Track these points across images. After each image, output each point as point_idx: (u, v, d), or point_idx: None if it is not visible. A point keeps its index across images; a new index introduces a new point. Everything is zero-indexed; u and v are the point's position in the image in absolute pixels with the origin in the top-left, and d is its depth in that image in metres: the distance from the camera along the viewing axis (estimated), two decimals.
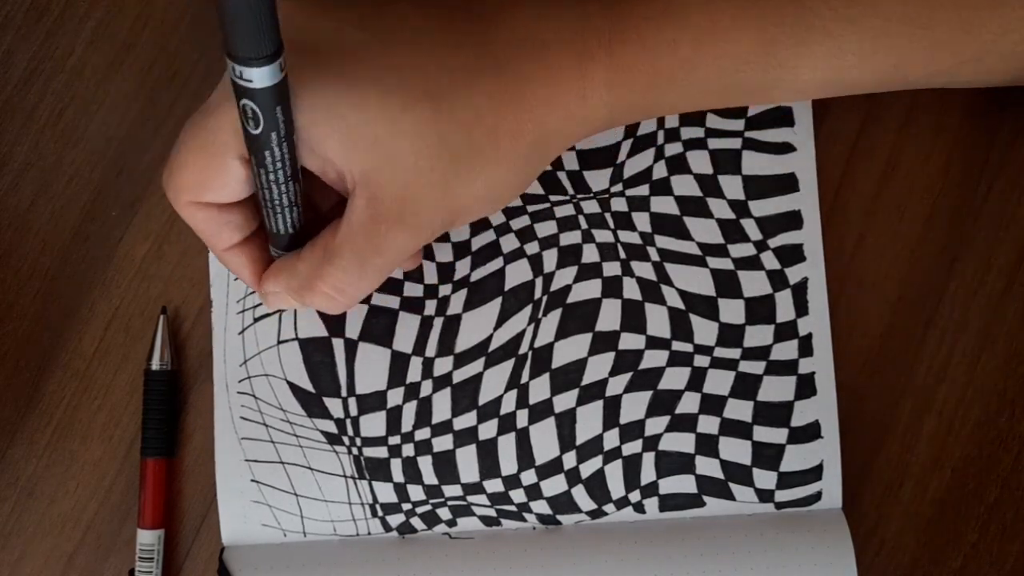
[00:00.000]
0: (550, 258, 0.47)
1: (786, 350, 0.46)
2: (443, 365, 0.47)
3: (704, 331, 0.47)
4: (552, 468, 0.47)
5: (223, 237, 0.42)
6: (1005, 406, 0.47)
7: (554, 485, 0.47)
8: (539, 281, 0.47)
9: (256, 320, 0.47)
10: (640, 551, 0.45)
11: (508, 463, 0.47)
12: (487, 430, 0.47)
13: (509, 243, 0.47)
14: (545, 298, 0.47)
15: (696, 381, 0.46)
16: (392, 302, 0.47)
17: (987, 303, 0.47)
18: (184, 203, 0.40)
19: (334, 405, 0.47)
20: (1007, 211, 0.47)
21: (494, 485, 0.47)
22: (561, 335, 0.47)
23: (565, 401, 0.47)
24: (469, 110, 0.39)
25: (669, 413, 0.46)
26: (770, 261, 0.47)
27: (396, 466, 0.47)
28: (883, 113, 0.48)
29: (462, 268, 0.47)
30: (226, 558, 0.46)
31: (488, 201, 0.41)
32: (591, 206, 0.47)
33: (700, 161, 0.47)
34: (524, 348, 0.47)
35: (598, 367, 0.47)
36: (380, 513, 0.47)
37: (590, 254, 0.47)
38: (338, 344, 0.47)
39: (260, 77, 0.34)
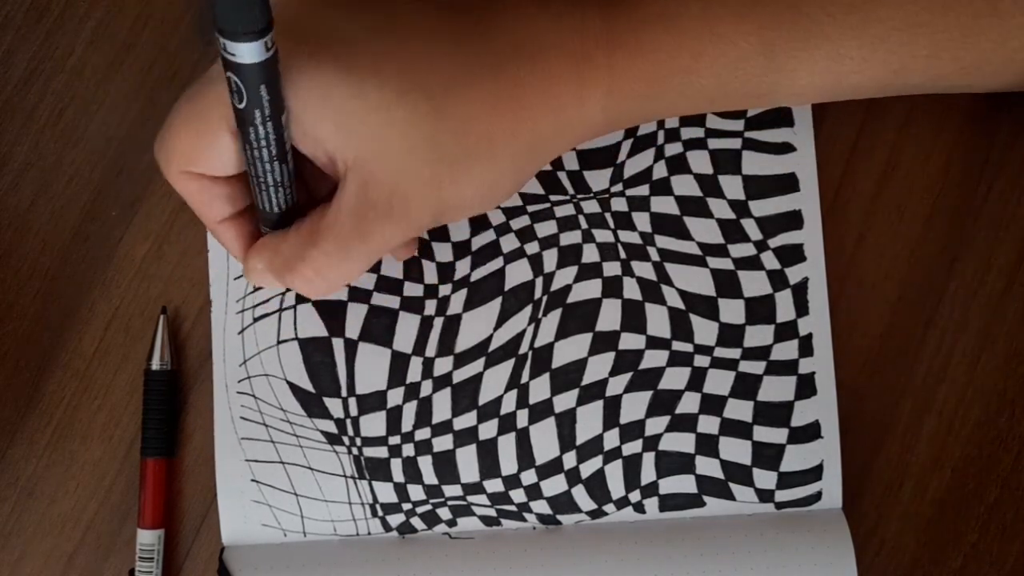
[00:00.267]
0: (550, 258, 0.47)
1: (786, 350, 0.46)
2: (443, 365, 0.47)
3: (704, 331, 0.47)
4: (552, 468, 0.47)
5: (214, 209, 0.41)
6: (1005, 406, 0.47)
7: (554, 485, 0.47)
8: (539, 281, 0.47)
9: (256, 320, 0.47)
10: (640, 551, 0.45)
11: (508, 463, 0.47)
12: (487, 430, 0.47)
13: (509, 243, 0.47)
14: (545, 298, 0.47)
15: (696, 381, 0.46)
16: (392, 302, 0.47)
17: (987, 303, 0.47)
18: (175, 172, 0.40)
19: (334, 405, 0.47)
20: (1007, 211, 0.47)
21: (494, 485, 0.47)
22: (561, 335, 0.47)
23: (565, 401, 0.47)
24: (464, 111, 0.39)
25: (669, 413, 0.46)
26: (770, 261, 0.47)
27: (396, 466, 0.47)
28: (883, 113, 0.48)
29: (462, 268, 0.47)
30: (226, 558, 0.46)
31: (478, 200, 0.41)
32: (591, 206, 0.47)
33: (700, 161, 0.47)
34: (524, 348, 0.47)
35: (598, 367, 0.47)
36: (380, 513, 0.47)
37: (590, 254, 0.47)
38: (338, 344, 0.47)
39: (244, 53, 0.34)
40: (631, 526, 0.46)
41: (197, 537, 0.48)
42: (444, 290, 0.47)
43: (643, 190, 0.47)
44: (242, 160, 0.39)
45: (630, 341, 0.47)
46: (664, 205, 0.47)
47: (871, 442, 0.47)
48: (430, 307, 0.47)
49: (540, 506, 0.47)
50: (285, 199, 0.40)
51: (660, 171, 0.47)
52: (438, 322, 0.47)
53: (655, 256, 0.47)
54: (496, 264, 0.47)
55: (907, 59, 0.41)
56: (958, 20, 0.40)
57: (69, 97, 0.49)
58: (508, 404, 0.47)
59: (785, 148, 0.47)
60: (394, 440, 0.47)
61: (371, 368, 0.47)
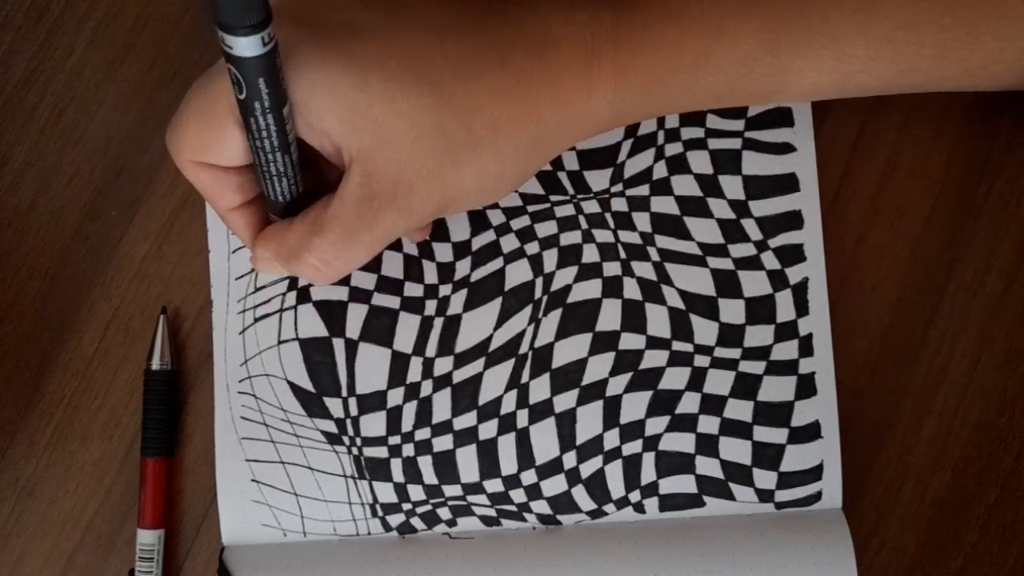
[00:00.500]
0: (550, 258, 0.47)
1: (786, 350, 0.46)
2: (443, 365, 0.47)
3: (704, 331, 0.47)
4: (552, 468, 0.47)
5: (225, 198, 0.42)
6: (1005, 406, 0.47)
7: (554, 485, 0.47)
8: (539, 281, 0.47)
9: (256, 320, 0.47)
10: (640, 551, 0.45)
11: (508, 463, 0.47)
12: (487, 430, 0.47)
13: (509, 243, 0.47)
14: (545, 298, 0.47)
15: (696, 381, 0.46)
16: (392, 302, 0.47)
17: (987, 303, 0.47)
18: (185, 161, 0.40)
19: (334, 405, 0.47)
20: (1007, 211, 0.47)
21: (494, 485, 0.47)
22: (561, 335, 0.47)
23: (565, 401, 0.47)
24: (470, 99, 0.39)
25: (669, 413, 0.46)
26: (770, 261, 0.47)
27: (396, 466, 0.47)
28: (883, 113, 0.48)
29: (462, 268, 0.47)
30: (226, 558, 0.46)
31: (481, 193, 0.41)
32: (591, 206, 0.47)
33: (700, 161, 0.47)
34: (524, 348, 0.47)
35: (598, 367, 0.47)
36: (380, 513, 0.47)
37: (590, 254, 0.47)
38: (338, 344, 0.47)
39: (242, 46, 0.34)
40: (631, 526, 0.46)
41: (197, 537, 0.48)
42: (444, 290, 0.47)
43: (643, 190, 0.47)
44: (249, 151, 0.39)
45: (630, 341, 0.47)
46: (664, 205, 0.47)
47: (871, 442, 0.47)
48: (430, 307, 0.47)
49: (540, 506, 0.47)
50: (290, 188, 0.41)
51: (660, 171, 0.47)
52: (438, 322, 0.47)
53: (655, 256, 0.47)
54: (496, 264, 0.47)
55: (913, 58, 0.41)
56: (965, 19, 0.40)
57: (69, 97, 0.49)
58: (508, 404, 0.47)
59: (785, 148, 0.47)
60: (394, 440, 0.47)
61: (371, 368, 0.47)
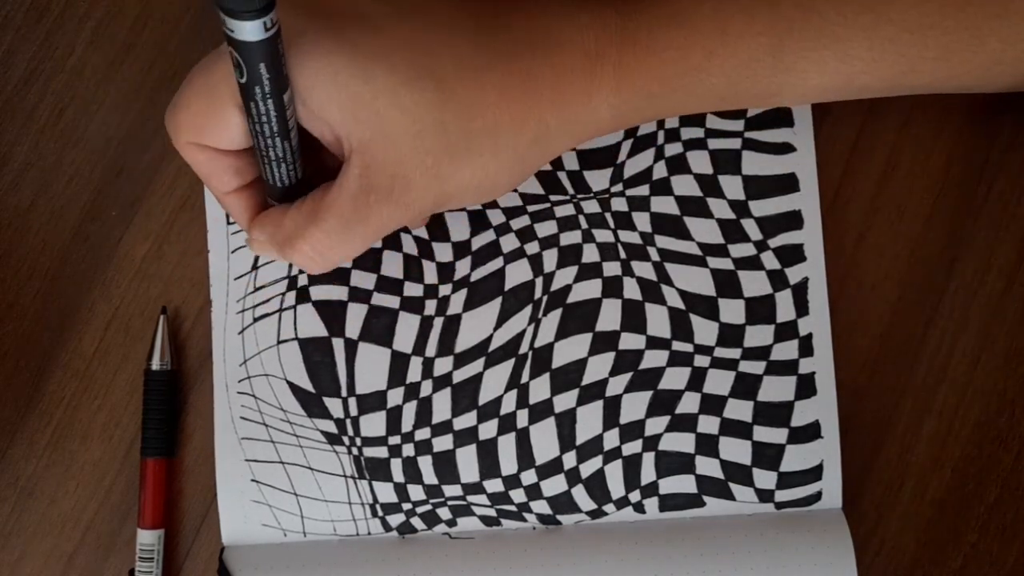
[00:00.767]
0: (550, 258, 0.47)
1: (786, 350, 0.46)
2: (443, 365, 0.47)
3: (704, 331, 0.47)
4: (552, 468, 0.47)
5: (223, 180, 0.42)
6: (1005, 406, 0.47)
7: (554, 485, 0.47)
8: (539, 281, 0.47)
9: (256, 320, 0.47)
10: (640, 551, 0.45)
11: (508, 463, 0.47)
12: (487, 430, 0.47)
13: (509, 243, 0.47)
14: (545, 298, 0.47)
15: (696, 381, 0.46)
16: (392, 302, 0.47)
17: (987, 303, 0.47)
18: (184, 143, 0.40)
19: (334, 405, 0.47)
20: (1007, 211, 0.47)
21: (494, 485, 0.47)
22: (561, 335, 0.47)
23: (565, 401, 0.47)
24: (472, 96, 0.39)
25: (669, 413, 0.46)
26: (770, 261, 0.47)
27: (396, 466, 0.47)
28: (883, 113, 0.48)
29: (462, 268, 0.47)
30: (226, 558, 0.46)
31: (479, 191, 0.41)
32: (591, 206, 0.47)
33: (700, 161, 0.47)
34: (524, 348, 0.47)
35: (598, 367, 0.47)
36: (380, 513, 0.47)
37: (590, 254, 0.47)
38: (338, 344, 0.47)
39: (244, 31, 0.34)
40: (631, 526, 0.46)
41: (197, 537, 0.48)
42: (444, 290, 0.47)
43: (643, 190, 0.47)
44: (249, 135, 0.39)
45: (630, 341, 0.47)
46: (664, 205, 0.47)
47: (871, 442, 0.47)
48: (430, 307, 0.47)
49: (540, 506, 0.47)
50: (288, 174, 0.41)
51: (660, 171, 0.47)
52: (438, 322, 0.47)
53: (655, 256, 0.47)
54: (496, 264, 0.47)
55: (916, 60, 0.41)
56: (968, 22, 0.40)
57: (69, 97, 0.49)
58: (508, 404, 0.47)
59: (785, 148, 0.47)
60: (394, 440, 0.47)
61: (371, 368, 0.47)
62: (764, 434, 0.46)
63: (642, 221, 0.47)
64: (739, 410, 0.46)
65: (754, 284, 0.47)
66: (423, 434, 0.47)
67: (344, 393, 0.47)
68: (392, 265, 0.47)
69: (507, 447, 0.47)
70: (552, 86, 0.40)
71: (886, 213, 0.48)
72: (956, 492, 0.47)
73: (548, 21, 0.41)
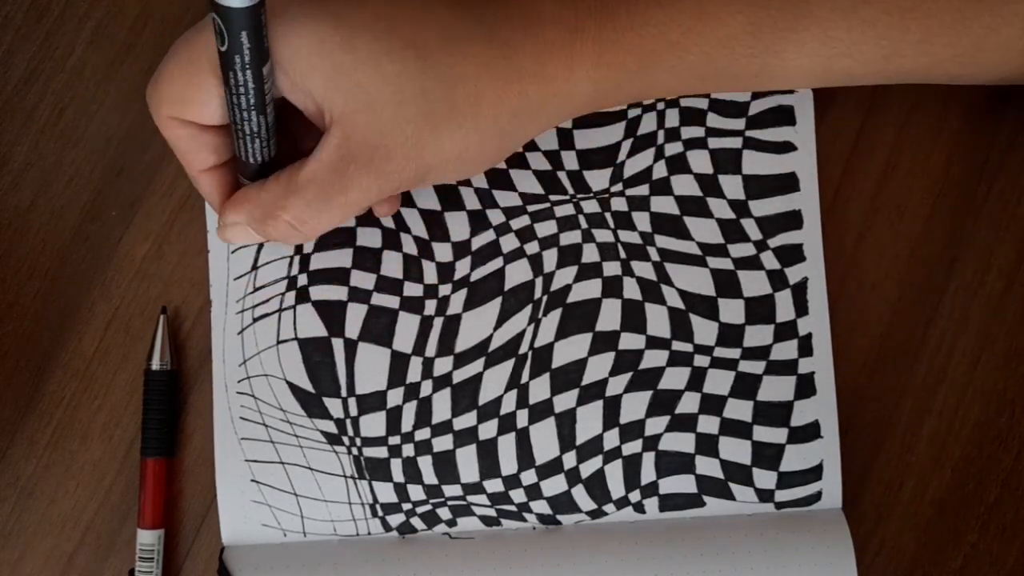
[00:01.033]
0: (550, 258, 0.47)
1: (786, 350, 0.46)
2: (443, 365, 0.47)
3: (704, 331, 0.47)
4: (552, 468, 0.47)
5: (199, 158, 0.42)
6: (1005, 406, 0.47)
7: (554, 485, 0.47)
8: (539, 281, 0.47)
9: (255, 320, 0.47)
10: (640, 551, 0.45)
11: (508, 463, 0.47)
12: (487, 430, 0.47)
13: (509, 243, 0.47)
14: (545, 298, 0.47)
15: (696, 381, 0.46)
16: (392, 302, 0.47)
17: (987, 303, 0.47)
18: (164, 117, 0.40)
19: (334, 405, 0.47)
20: (1007, 211, 0.47)
21: (494, 485, 0.47)
22: (561, 335, 0.47)
23: (565, 401, 0.47)
24: (454, 67, 0.39)
25: (669, 413, 0.46)
26: (770, 261, 0.47)
27: (396, 466, 0.47)
28: (883, 113, 0.48)
29: (462, 268, 0.47)
30: (226, 558, 0.46)
31: (460, 164, 0.41)
32: (591, 206, 0.47)
33: (700, 161, 0.47)
34: (524, 348, 0.47)
35: (598, 367, 0.47)
36: (380, 513, 0.47)
37: (590, 254, 0.47)
38: (338, 344, 0.47)
39: None
40: (631, 526, 0.46)
41: (197, 537, 0.48)
42: (444, 290, 0.47)
43: (643, 190, 0.47)
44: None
45: (630, 341, 0.47)
46: (664, 205, 0.47)
47: (871, 442, 0.47)
48: (430, 307, 0.47)
49: (540, 506, 0.47)
50: (262, 151, 0.41)
51: (660, 171, 0.47)
52: (438, 322, 0.47)
53: (655, 256, 0.47)
54: (496, 264, 0.47)
55: (898, 44, 0.41)
56: (949, 5, 0.41)
57: (69, 97, 0.49)
58: (508, 404, 0.47)
59: (786, 147, 0.47)
60: (394, 440, 0.47)
61: (371, 368, 0.47)
62: (764, 434, 0.46)
63: (642, 221, 0.47)
64: (739, 410, 0.46)
65: (754, 284, 0.47)
66: (423, 434, 0.47)
67: (344, 393, 0.47)
68: (392, 265, 0.47)
69: (507, 447, 0.47)
70: (533, 58, 0.40)
71: (886, 213, 0.48)
72: (956, 492, 0.47)
73: None
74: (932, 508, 0.46)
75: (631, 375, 0.47)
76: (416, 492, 0.47)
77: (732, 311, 0.47)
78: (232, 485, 0.47)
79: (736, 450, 0.46)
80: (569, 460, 0.47)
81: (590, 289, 0.47)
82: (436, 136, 0.40)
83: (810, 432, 0.46)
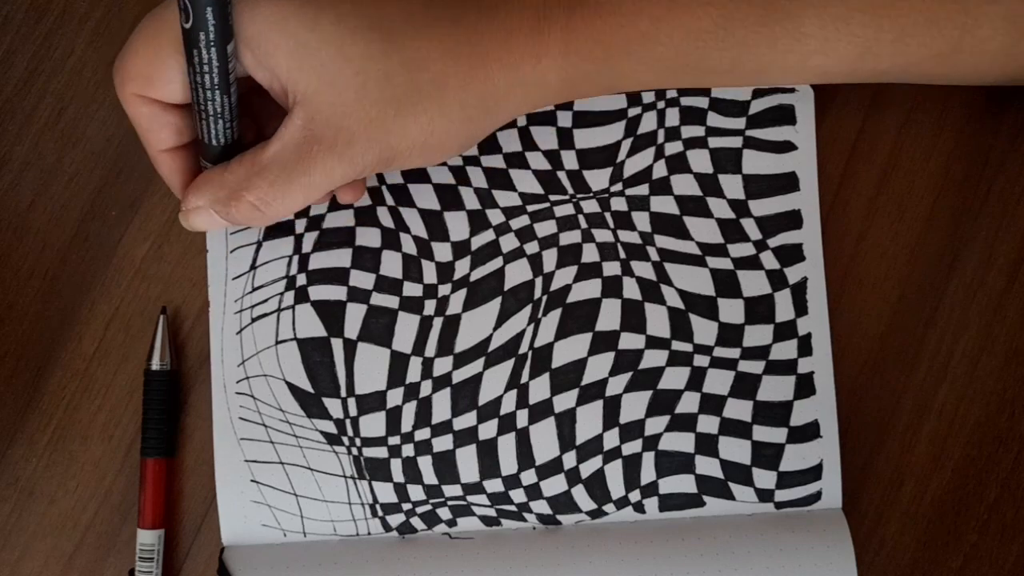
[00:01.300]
0: (550, 258, 0.47)
1: (785, 350, 0.46)
2: (443, 365, 0.47)
3: (704, 331, 0.47)
4: (552, 468, 0.47)
5: (161, 137, 0.42)
6: (1005, 406, 0.47)
7: (554, 485, 0.47)
8: (539, 281, 0.47)
9: (254, 320, 0.47)
10: (640, 551, 0.45)
11: (508, 463, 0.47)
12: (487, 430, 0.47)
13: (509, 243, 0.47)
14: (545, 298, 0.47)
15: (696, 381, 0.46)
16: (391, 302, 0.47)
17: (987, 303, 0.47)
18: (129, 94, 0.40)
19: (333, 405, 0.47)
20: (1007, 211, 0.47)
21: (494, 485, 0.47)
22: (561, 335, 0.47)
23: (565, 401, 0.47)
24: (419, 51, 0.39)
25: (669, 413, 0.46)
26: (770, 261, 0.47)
27: (396, 466, 0.47)
28: (883, 113, 0.48)
29: (462, 268, 0.47)
30: (226, 558, 0.46)
31: (425, 150, 0.42)
32: (591, 206, 0.47)
33: (700, 160, 0.47)
34: (524, 348, 0.47)
35: (598, 367, 0.47)
36: (380, 513, 0.47)
37: (590, 254, 0.47)
38: (337, 344, 0.47)
39: None
40: (631, 526, 0.46)
41: (197, 537, 0.48)
42: (444, 290, 0.47)
43: (643, 190, 0.47)
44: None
45: (630, 341, 0.47)
46: (664, 205, 0.47)
47: (871, 442, 0.47)
48: (429, 307, 0.47)
49: (540, 506, 0.47)
50: (224, 132, 0.41)
51: (660, 170, 0.47)
52: (438, 322, 0.47)
53: (655, 256, 0.47)
54: (496, 264, 0.47)
55: (872, 42, 0.41)
56: (923, 5, 0.41)
57: (69, 97, 0.49)
58: (508, 404, 0.47)
59: (787, 147, 0.47)
60: (394, 440, 0.47)
61: (370, 368, 0.47)
62: (763, 434, 0.46)
63: (642, 221, 0.47)
64: (738, 410, 0.46)
65: (753, 284, 0.47)
66: (423, 434, 0.47)
67: (343, 393, 0.47)
68: (391, 265, 0.47)
69: (507, 447, 0.47)
70: (500, 44, 0.40)
71: (886, 213, 0.47)
72: (956, 492, 0.46)
73: None
74: (932, 508, 0.46)
75: (631, 375, 0.47)
76: (416, 492, 0.47)
77: (732, 311, 0.47)
78: (232, 485, 0.47)
79: (736, 450, 0.46)
80: (569, 460, 0.47)
81: (590, 289, 0.47)
82: (401, 120, 0.40)
83: (810, 432, 0.46)
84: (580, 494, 0.47)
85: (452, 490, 0.47)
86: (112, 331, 0.48)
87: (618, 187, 0.47)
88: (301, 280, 0.47)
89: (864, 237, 0.47)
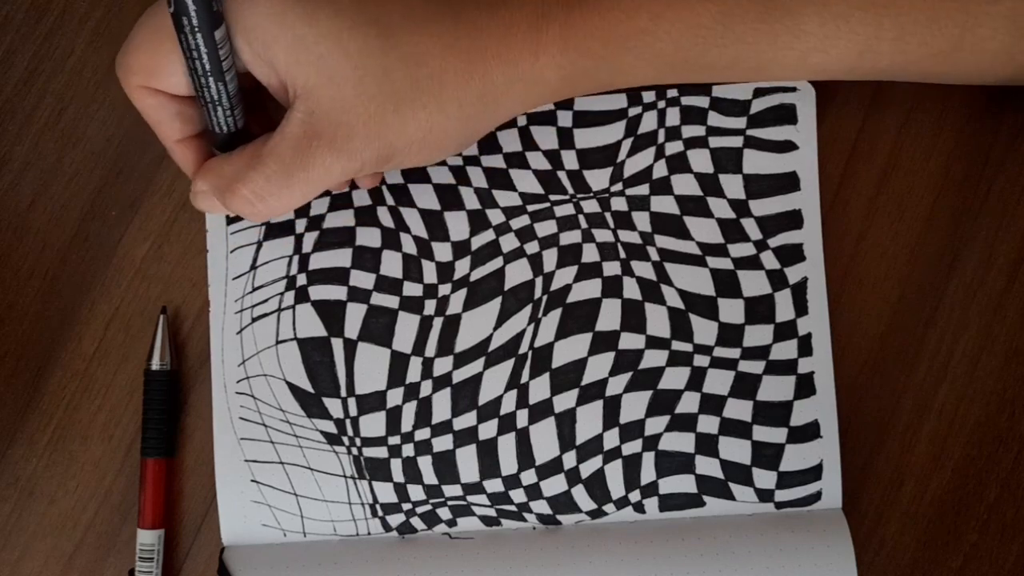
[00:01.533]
0: (550, 258, 0.47)
1: (785, 350, 0.46)
2: (443, 365, 0.47)
3: (704, 331, 0.47)
4: (552, 468, 0.47)
5: (174, 128, 0.42)
6: (1005, 406, 0.47)
7: (554, 485, 0.47)
8: (539, 281, 0.47)
9: (254, 320, 0.47)
10: (640, 551, 0.45)
11: (508, 463, 0.47)
12: (487, 430, 0.47)
13: (509, 243, 0.47)
14: (545, 298, 0.47)
15: (696, 381, 0.46)
16: (391, 302, 0.47)
17: (987, 303, 0.47)
18: (134, 87, 0.41)
19: (333, 405, 0.47)
20: (1007, 211, 0.47)
21: (494, 485, 0.47)
22: (561, 335, 0.47)
23: (565, 401, 0.47)
24: (418, 46, 0.39)
25: (669, 413, 0.46)
26: (770, 261, 0.47)
27: (396, 466, 0.47)
28: (883, 113, 0.48)
29: (462, 268, 0.47)
30: (226, 558, 0.46)
31: (425, 146, 0.41)
32: (591, 205, 0.47)
33: (701, 160, 0.47)
34: (524, 348, 0.47)
35: (598, 367, 0.47)
36: (380, 513, 0.47)
37: (590, 254, 0.47)
38: (337, 344, 0.47)
39: None
40: (631, 526, 0.46)
41: (197, 537, 0.48)
42: (444, 290, 0.47)
43: (643, 189, 0.47)
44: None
45: (630, 341, 0.47)
46: (664, 205, 0.47)
47: (871, 442, 0.47)
48: (429, 307, 0.47)
49: (540, 506, 0.47)
50: (226, 119, 0.41)
51: (660, 170, 0.47)
52: (438, 322, 0.47)
53: (655, 256, 0.47)
54: (496, 264, 0.47)
55: (872, 40, 0.42)
56: (924, 3, 0.41)
57: (69, 97, 0.49)
58: (508, 404, 0.47)
59: (787, 146, 0.47)
60: (394, 440, 0.47)
61: (370, 368, 0.47)
62: (764, 434, 0.46)
63: (642, 221, 0.47)
64: (739, 410, 0.46)
65: (754, 284, 0.47)
66: (423, 434, 0.47)
67: (343, 393, 0.47)
68: (391, 265, 0.47)
69: (507, 447, 0.47)
70: (499, 41, 0.40)
71: (886, 213, 0.47)
72: (956, 492, 0.46)
73: None
74: (932, 508, 0.46)
75: (631, 375, 0.47)
76: (416, 492, 0.47)
77: (732, 311, 0.47)
78: (232, 485, 0.47)
79: (736, 450, 0.46)
80: (569, 460, 0.47)
81: (590, 289, 0.47)
82: (399, 116, 0.40)
83: (810, 432, 0.46)
84: (580, 494, 0.47)
85: (452, 490, 0.47)
86: (112, 331, 0.48)
87: (618, 187, 0.47)
88: (301, 280, 0.47)
89: (864, 237, 0.47)
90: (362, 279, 0.47)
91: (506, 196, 0.48)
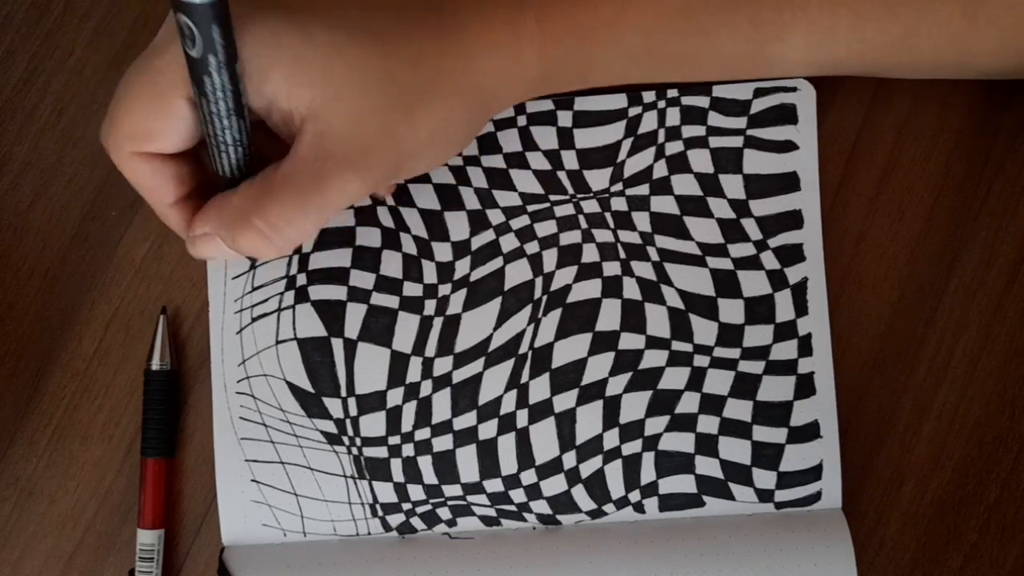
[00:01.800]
0: (550, 258, 0.47)
1: (785, 350, 0.46)
2: (443, 365, 0.47)
3: (704, 331, 0.47)
4: (552, 468, 0.47)
5: (168, 191, 0.40)
6: (1005, 406, 0.47)
7: (554, 485, 0.47)
8: (539, 281, 0.47)
9: (254, 320, 0.47)
10: (640, 551, 0.45)
11: (508, 463, 0.47)
12: (487, 430, 0.47)
13: (509, 243, 0.47)
14: (545, 298, 0.47)
15: (696, 381, 0.46)
16: (391, 302, 0.47)
17: (987, 303, 0.47)
18: (127, 155, 0.39)
19: (333, 405, 0.47)
20: (1007, 211, 0.47)
21: (494, 485, 0.47)
22: (561, 335, 0.47)
23: (565, 401, 0.47)
24: (413, 49, 0.39)
25: (669, 413, 0.46)
26: (770, 261, 0.47)
27: (396, 466, 0.47)
28: (883, 113, 0.48)
29: (462, 268, 0.47)
30: (226, 558, 0.46)
31: (434, 148, 0.41)
32: (591, 206, 0.47)
33: (701, 160, 0.47)
34: (524, 348, 0.47)
35: (598, 367, 0.47)
36: (380, 513, 0.47)
37: (590, 254, 0.47)
38: (337, 344, 0.47)
39: None
40: (631, 526, 0.46)
41: (197, 537, 0.48)
42: (444, 290, 0.47)
43: (643, 190, 0.47)
44: (198, 128, 0.38)
45: (630, 341, 0.47)
46: (664, 205, 0.47)
47: (871, 442, 0.47)
48: (430, 307, 0.47)
49: (540, 506, 0.47)
50: (242, 160, 0.39)
51: (660, 170, 0.47)
52: (438, 322, 0.47)
53: (655, 256, 0.47)
54: (496, 264, 0.47)
55: (828, 29, 0.42)
56: None
57: (69, 97, 0.49)
58: (508, 404, 0.47)
59: (788, 146, 0.47)
60: (394, 440, 0.47)
61: (370, 368, 0.47)
62: (763, 434, 0.46)
63: (642, 221, 0.47)
64: (738, 410, 0.46)
65: (754, 284, 0.47)
66: (423, 434, 0.47)
67: (343, 393, 0.47)
68: (391, 265, 0.47)
69: (507, 447, 0.47)
70: (481, 35, 0.40)
71: (886, 213, 0.47)
72: (956, 492, 0.46)
73: None
74: (932, 508, 0.46)
75: (631, 375, 0.47)
76: (416, 492, 0.47)
77: (732, 311, 0.47)
78: (232, 485, 0.47)
79: (736, 450, 0.46)
80: (569, 460, 0.47)
81: (590, 289, 0.47)
82: (409, 119, 0.39)
83: (810, 432, 0.46)
84: (580, 494, 0.47)
85: (452, 490, 0.47)
86: (112, 331, 0.48)
87: (618, 187, 0.47)
88: (301, 280, 0.47)
89: (864, 237, 0.47)
90: (362, 279, 0.47)
91: (506, 196, 0.48)
